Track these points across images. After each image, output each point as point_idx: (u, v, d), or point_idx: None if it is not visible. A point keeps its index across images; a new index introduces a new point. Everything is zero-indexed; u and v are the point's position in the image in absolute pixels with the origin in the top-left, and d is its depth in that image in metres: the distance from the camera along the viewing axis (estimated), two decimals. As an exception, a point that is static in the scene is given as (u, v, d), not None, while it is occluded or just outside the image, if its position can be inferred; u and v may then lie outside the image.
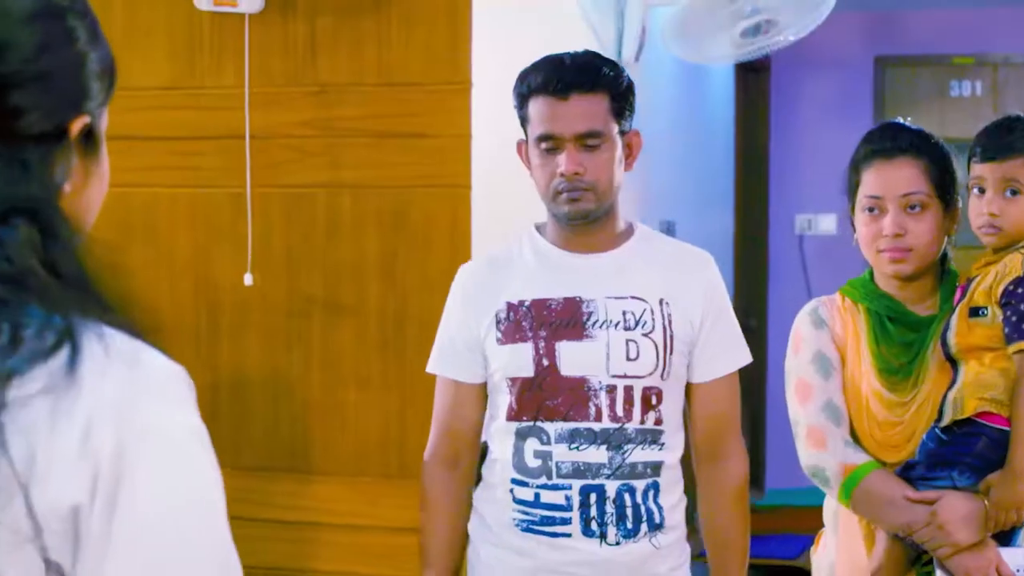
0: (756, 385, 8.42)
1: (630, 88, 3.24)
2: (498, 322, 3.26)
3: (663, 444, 3.23)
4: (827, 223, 8.91)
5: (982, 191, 3.18)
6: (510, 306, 3.26)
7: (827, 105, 9.10)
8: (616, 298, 3.22)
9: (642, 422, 3.20)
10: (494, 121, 4.09)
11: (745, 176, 8.89)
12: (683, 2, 4.94)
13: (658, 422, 3.22)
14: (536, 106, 3.19)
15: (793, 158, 9.11)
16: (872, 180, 3.26)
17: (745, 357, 3.37)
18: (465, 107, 4.07)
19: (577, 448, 3.17)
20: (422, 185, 4.14)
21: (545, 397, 3.20)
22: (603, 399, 3.17)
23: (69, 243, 1.43)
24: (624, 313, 3.20)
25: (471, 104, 4.07)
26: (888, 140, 3.31)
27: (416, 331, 4.13)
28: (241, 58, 4.27)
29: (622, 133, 3.23)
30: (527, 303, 3.24)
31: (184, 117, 4.37)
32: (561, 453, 3.18)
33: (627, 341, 3.19)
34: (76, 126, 1.49)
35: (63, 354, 1.34)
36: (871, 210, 3.25)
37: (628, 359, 3.18)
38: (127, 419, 1.35)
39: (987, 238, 3.20)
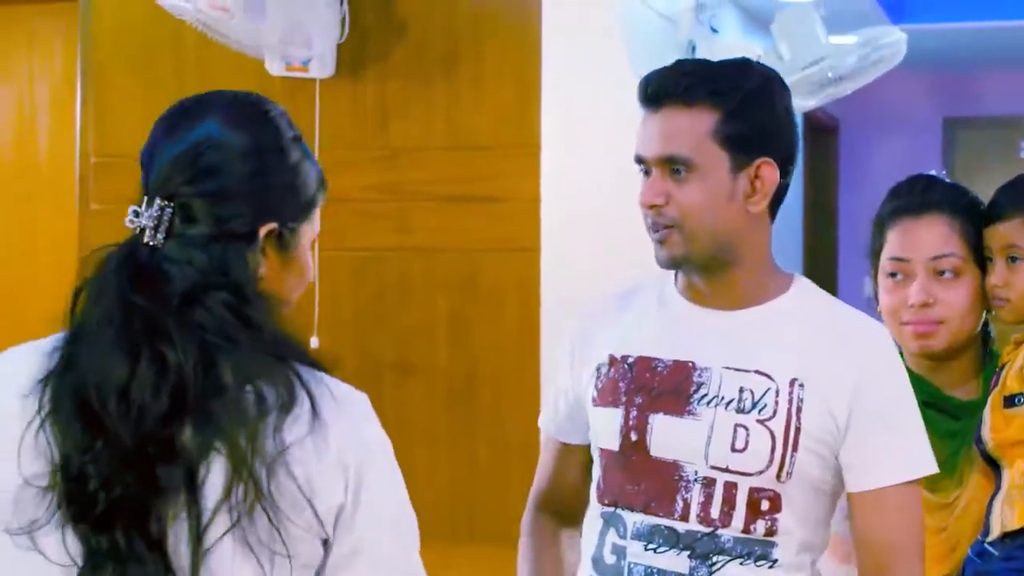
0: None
1: (757, 105, 2.49)
2: (598, 377, 2.61)
3: (776, 563, 2.46)
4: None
5: (989, 259, 2.75)
6: (612, 360, 2.59)
7: (896, 166, 9.02)
8: (736, 370, 2.49)
9: (745, 531, 2.45)
10: (563, 184, 4.10)
11: (813, 236, 8.86)
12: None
13: (770, 533, 2.45)
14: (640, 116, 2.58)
15: (862, 218, 9.05)
16: (897, 240, 2.80)
17: (920, 467, 2.49)
18: (534, 171, 4.08)
19: (654, 550, 2.50)
20: (491, 249, 4.15)
21: (627, 479, 2.53)
22: (695, 494, 2.47)
23: (262, 307, 1.96)
24: (741, 390, 2.48)
25: (540, 168, 4.08)
26: (917, 195, 2.82)
27: (486, 393, 4.13)
28: (312, 122, 4.30)
29: (740, 163, 2.46)
30: (631, 359, 2.56)
31: (255, 181, 4.40)
32: (635, 552, 2.52)
33: (736, 426, 2.46)
34: (263, 231, 1.96)
35: (306, 403, 1.90)
36: (894, 275, 2.79)
37: (734, 449, 2.45)
38: (359, 442, 1.98)
39: (997, 311, 2.77)
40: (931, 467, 2.47)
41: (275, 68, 4.20)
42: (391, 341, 4.28)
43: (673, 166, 2.45)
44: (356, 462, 1.96)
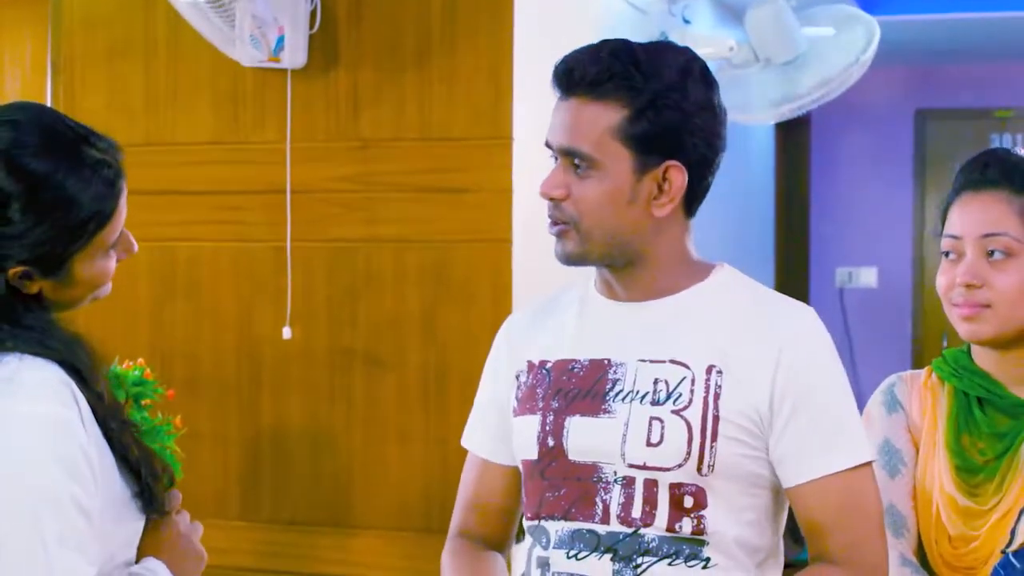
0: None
1: (669, 104, 2.31)
2: (518, 387, 2.49)
3: (709, 562, 2.31)
4: (868, 276, 8.89)
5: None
6: (531, 367, 2.48)
7: (868, 158, 9.09)
8: (651, 362, 2.35)
9: (670, 530, 2.30)
10: (535, 176, 4.07)
11: (786, 229, 8.88)
12: (726, 66, 4.94)
13: (698, 532, 2.30)
14: None
15: (834, 211, 9.09)
16: (953, 217, 2.57)
17: (852, 455, 2.32)
18: (506, 162, 4.08)
19: (575, 556, 2.36)
20: (463, 240, 4.15)
21: (548, 487, 2.40)
22: (615, 495, 2.33)
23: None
24: (656, 382, 2.33)
25: (512, 159, 4.08)
26: (978, 170, 2.58)
27: (457, 385, 4.13)
28: (283, 113, 4.29)
29: (645, 164, 2.31)
30: (549, 364, 2.44)
31: (227, 172, 4.40)
32: (558, 562, 2.37)
33: (651, 419, 2.31)
34: (10, 273, 2.12)
35: None
36: (947, 254, 2.57)
37: (649, 443, 2.31)
38: None
39: None
40: (864, 454, 2.32)
41: (246, 59, 4.19)
42: (363, 332, 4.27)
43: (574, 160, 2.32)
44: None
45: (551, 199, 2.34)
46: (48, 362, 2.10)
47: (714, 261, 2.47)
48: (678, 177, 2.32)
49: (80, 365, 2.13)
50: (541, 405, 2.41)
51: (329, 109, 4.29)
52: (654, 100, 2.29)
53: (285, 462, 4.35)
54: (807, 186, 9.21)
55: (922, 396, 2.63)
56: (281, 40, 4.14)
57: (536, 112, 4.16)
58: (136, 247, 2.28)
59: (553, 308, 2.54)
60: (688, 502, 2.30)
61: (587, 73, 2.30)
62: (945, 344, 8.50)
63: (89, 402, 2.12)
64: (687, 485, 2.29)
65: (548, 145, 2.38)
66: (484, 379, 2.62)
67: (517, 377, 2.49)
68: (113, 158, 2.19)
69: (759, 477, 2.32)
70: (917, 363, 8.60)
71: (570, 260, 2.38)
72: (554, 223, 2.36)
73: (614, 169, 2.30)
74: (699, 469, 2.28)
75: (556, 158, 2.36)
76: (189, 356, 4.44)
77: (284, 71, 4.27)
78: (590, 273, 2.47)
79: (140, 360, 3.82)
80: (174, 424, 3.77)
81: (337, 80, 4.28)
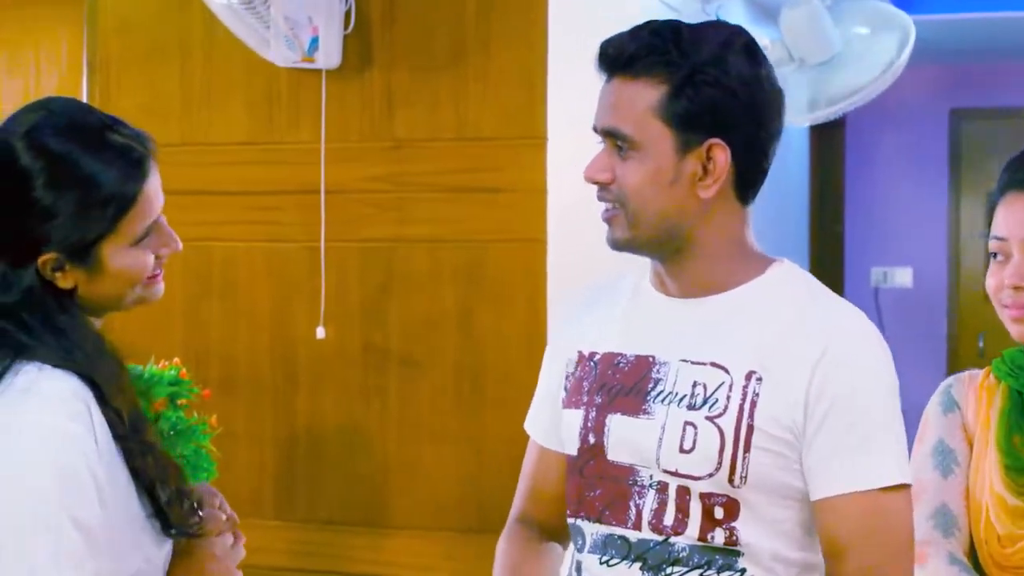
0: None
1: (708, 79, 2.21)
2: (567, 377, 2.44)
3: (743, 573, 2.22)
4: (903, 276, 8.86)
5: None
6: (580, 358, 2.42)
7: (902, 158, 9.06)
8: (692, 363, 2.26)
9: (702, 539, 2.22)
10: (569, 175, 4.08)
11: (821, 229, 8.86)
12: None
13: (731, 543, 2.21)
14: None
15: (869, 211, 9.07)
16: (999, 218, 2.51)
17: (882, 474, 2.17)
18: (541, 162, 4.08)
19: (607, 563, 2.29)
20: (497, 239, 4.15)
21: (585, 486, 2.34)
22: (648, 500, 2.25)
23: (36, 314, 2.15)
24: (695, 385, 2.24)
25: (547, 159, 4.08)
26: (1022, 169, 2.53)
27: (492, 385, 4.13)
28: (318, 114, 4.30)
29: (687, 143, 2.23)
30: (597, 356, 2.38)
31: (261, 172, 4.41)
32: (590, 567, 2.32)
33: (685, 424, 2.22)
34: (40, 260, 2.13)
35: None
36: (995, 255, 2.51)
37: (682, 449, 2.22)
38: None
39: None
40: (895, 476, 2.17)
41: (280, 60, 4.20)
42: (397, 332, 4.28)
43: (617, 141, 2.26)
44: None
45: (595, 182, 2.29)
46: (68, 374, 2.09)
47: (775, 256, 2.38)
48: (722, 156, 2.23)
49: (100, 380, 2.12)
50: (586, 400, 2.35)
51: (363, 109, 4.30)
52: (692, 75, 2.20)
53: (320, 462, 4.36)
54: (842, 186, 9.19)
55: (978, 396, 2.58)
56: (315, 40, 4.15)
57: (570, 111, 4.16)
58: (179, 244, 2.27)
59: (608, 296, 2.47)
60: (719, 513, 2.21)
61: (625, 51, 2.25)
62: (981, 344, 8.47)
63: (107, 418, 2.11)
64: (718, 495, 2.21)
65: (594, 129, 2.32)
66: (544, 363, 2.57)
67: (567, 366, 2.44)
68: (140, 145, 2.19)
69: (793, 489, 2.22)
70: (952, 364, 8.57)
71: (618, 246, 2.31)
72: (604, 205, 2.30)
73: (655, 149, 2.23)
74: (730, 480, 2.19)
75: (602, 143, 2.30)
76: (224, 356, 4.45)
77: (318, 71, 4.28)
78: (643, 265, 2.41)
79: (176, 360, 3.83)
80: (210, 424, 3.77)
81: (371, 80, 4.29)
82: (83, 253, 2.14)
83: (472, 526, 4.18)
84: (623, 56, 2.25)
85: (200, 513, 2.29)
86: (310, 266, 4.34)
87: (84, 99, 4.59)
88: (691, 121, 2.21)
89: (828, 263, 8.96)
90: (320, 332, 4.28)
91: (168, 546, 2.22)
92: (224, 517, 2.35)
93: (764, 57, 2.29)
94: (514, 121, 4.13)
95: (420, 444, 4.26)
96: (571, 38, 4.18)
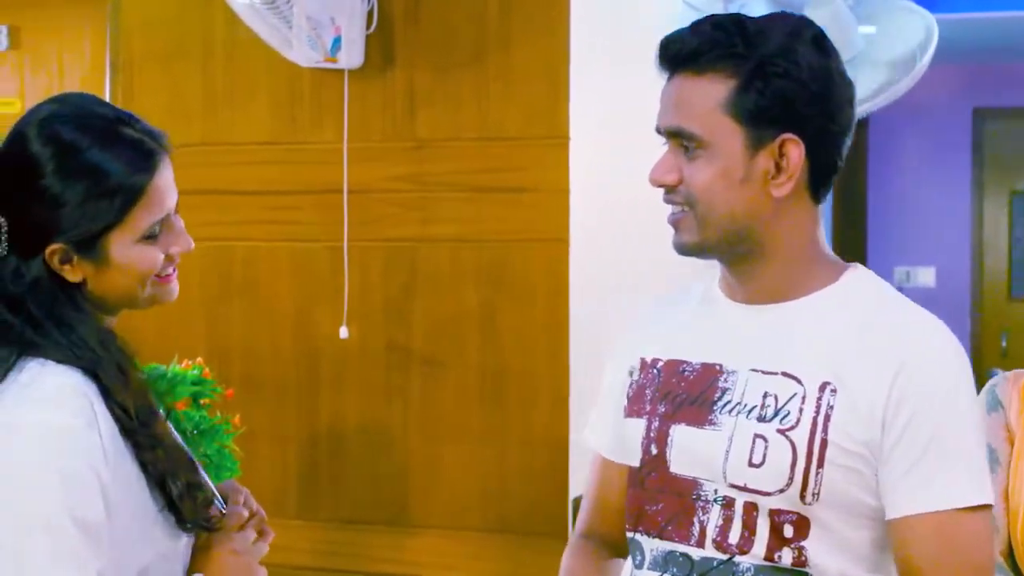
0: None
1: (778, 71, 2.11)
2: (629, 384, 2.32)
3: None
4: (926, 276, 8.83)
5: None
6: (643, 365, 2.30)
7: (925, 157, 9.03)
8: (762, 372, 2.15)
9: (769, 558, 2.10)
10: (592, 175, 4.09)
11: (843, 228, 8.84)
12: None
13: (799, 563, 2.09)
14: None
15: (891, 210, 9.04)
16: None
17: (963, 494, 2.05)
18: (563, 161, 4.08)
19: None
20: (520, 239, 4.14)
21: (646, 500, 2.22)
22: (713, 516, 2.14)
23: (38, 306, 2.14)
24: (765, 396, 2.13)
25: (569, 158, 4.07)
26: None
27: (514, 384, 4.12)
28: (340, 114, 4.30)
29: (758, 139, 2.12)
30: (660, 363, 2.27)
31: (284, 172, 4.41)
32: None
33: (755, 437, 2.11)
34: (47, 251, 2.12)
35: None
36: None
37: (751, 464, 2.10)
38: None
39: None
40: (975, 496, 2.04)
41: (303, 59, 4.20)
42: (420, 332, 4.28)
43: (683, 141, 2.13)
44: None
45: (662, 185, 2.16)
46: (71, 369, 2.08)
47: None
48: (795, 151, 2.12)
49: (104, 375, 2.10)
50: (648, 408, 2.23)
51: (386, 109, 4.30)
52: (761, 67, 2.09)
53: (343, 461, 4.36)
54: (864, 185, 9.16)
55: (1021, 395, 2.54)
56: (338, 40, 4.15)
57: (593, 111, 4.16)
58: (191, 243, 2.27)
59: (676, 302, 2.35)
60: (788, 531, 2.08)
61: (687, 46, 2.12)
62: (1004, 344, 8.45)
63: (112, 413, 2.11)
64: (788, 512, 2.08)
65: (657, 130, 2.19)
66: (605, 371, 2.43)
67: (630, 374, 2.32)
68: (153, 140, 2.19)
69: (867, 507, 2.09)
70: (975, 363, 8.54)
71: (686, 250, 2.19)
72: (671, 208, 2.17)
73: (724, 146, 2.11)
74: (802, 496, 2.07)
75: (667, 144, 2.18)
76: (247, 355, 4.45)
77: (341, 71, 4.28)
78: (713, 271, 2.29)
79: (199, 359, 3.84)
80: (232, 423, 3.78)
81: (393, 80, 4.29)
82: (90, 244, 2.12)
83: (494, 525, 4.18)
84: (684, 51, 2.12)
85: (218, 505, 2.29)
86: (332, 266, 4.34)
87: (107, 99, 4.60)
88: (762, 116, 2.10)
89: (850, 262, 8.93)
90: (344, 332, 4.28)
91: (185, 539, 2.22)
92: (246, 513, 2.34)
93: (833, 48, 2.18)
94: (536, 121, 4.13)
95: (442, 443, 4.26)
96: (593, 37, 4.17)
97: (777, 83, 2.08)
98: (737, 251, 2.17)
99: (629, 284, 4.10)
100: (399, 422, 4.29)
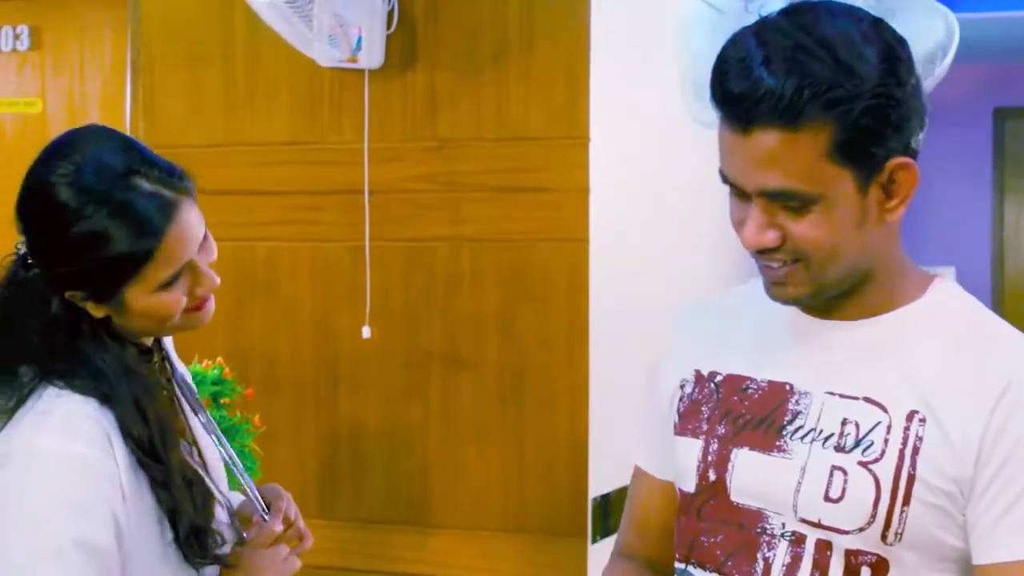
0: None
1: (881, 101, 1.86)
2: (680, 398, 2.14)
3: None
4: (947, 277, 8.82)
5: None
6: (698, 378, 2.12)
7: (945, 157, 9.01)
8: (840, 396, 1.95)
9: None
10: (613, 175, 4.09)
11: (863, 229, 8.83)
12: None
13: None
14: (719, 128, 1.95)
15: (911, 211, 9.00)
16: None
17: None
18: (584, 161, 4.07)
19: None
20: (540, 239, 4.14)
21: (702, 530, 2.04)
22: (780, 552, 1.95)
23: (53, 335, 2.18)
24: (844, 423, 1.93)
25: (590, 158, 4.07)
26: None
27: (534, 385, 4.12)
28: (360, 114, 4.30)
29: (869, 175, 1.91)
30: (719, 378, 2.08)
31: (304, 172, 4.42)
32: None
33: (833, 468, 1.92)
34: (67, 294, 2.16)
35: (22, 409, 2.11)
36: None
37: (827, 498, 1.91)
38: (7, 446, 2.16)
39: None
40: None
41: (324, 59, 4.20)
42: (440, 332, 4.27)
43: (785, 202, 1.89)
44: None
45: (763, 249, 1.93)
46: (88, 399, 2.10)
47: (934, 272, 2.12)
48: (907, 174, 1.96)
49: (119, 407, 2.12)
50: (705, 428, 2.05)
51: (406, 109, 4.30)
52: (868, 106, 1.85)
53: (363, 461, 4.36)
54: (884, 186, 9.15)
55: None
56: (359, 40, 4.15)
57: (613, 112, 4.16)
58: (216, 280, 2.26)
59: (732, 309, 2.17)
60: (865, 573, 1.91)
61: (773, 102, 1.82)
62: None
63: (128, 445, 2.11)
64: (867, 553, 1.90)
65: (730, 183, 1.95)
66: (647, 381, 2.26)
67: (682, 387, 2.14)
68: (170, 188, 2.15)
69: (952, 549, 1.91)
70: (996, 364, 8.52)
71: (796, 301, 2.00)
72: (771, 268, 1.96)
73: (837, 195, 1.89)
74: (884, 536, 1.89)
75: (742, 196, 1.94)
76: (267, 355, 4.46)
77: (361, 71, 4.28)
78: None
79: (219, 359, 3.85)
80: (252, 423, 3.79)
81: (414, 80, 4.29)
82: (105, 296, 2.16)
83: (513, 526, 4.17)
84: (776, 108, 1.82)
85: (260, 511, 2.30)
86: (353, 266, 4.34)
87: (128, 100, 4.62)
88: (870, 150, 1.89)
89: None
90: (366, 332, 4.28)
91: (192, 573, 2.22)
92: (278, 528, 2.35)
93: (902, 37, 1.97)
94: (557, 121, 4.12)
95: (462, 444, 4.26)
96: (614, 38, 4.17)
97: (883, 113, 1.88)
98: (847, 287, 2.00)
99: (649, 284, 4.10)
100: (419, 422, 4.29)
